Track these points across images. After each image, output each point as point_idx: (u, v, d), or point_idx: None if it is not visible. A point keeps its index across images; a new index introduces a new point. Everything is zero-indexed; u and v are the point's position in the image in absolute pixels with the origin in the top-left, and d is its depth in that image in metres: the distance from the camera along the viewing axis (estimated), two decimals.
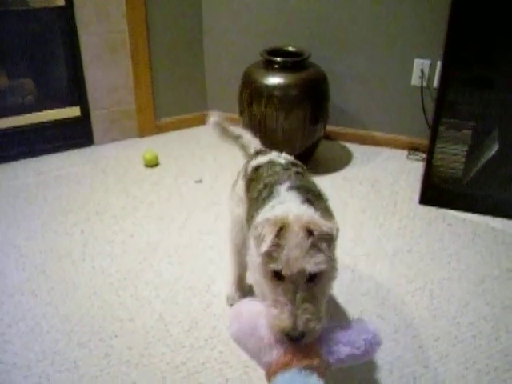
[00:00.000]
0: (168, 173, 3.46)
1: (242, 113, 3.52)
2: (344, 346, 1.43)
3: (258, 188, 1.81)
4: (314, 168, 3.50)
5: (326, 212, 1.67)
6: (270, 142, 3.36)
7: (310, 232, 1.40)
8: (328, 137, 3.89)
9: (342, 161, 3.67)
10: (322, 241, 1.41)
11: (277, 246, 1.41)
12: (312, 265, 1.39)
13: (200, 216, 2.98)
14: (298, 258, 1.38)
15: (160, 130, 4.06)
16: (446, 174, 3.15)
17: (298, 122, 3.31)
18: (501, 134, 2.96)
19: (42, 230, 2.83)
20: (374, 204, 3.13)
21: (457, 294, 2.43)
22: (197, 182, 3.35)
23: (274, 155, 1.99)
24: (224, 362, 2.03)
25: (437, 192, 3.18)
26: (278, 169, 1.85)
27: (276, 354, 1.41)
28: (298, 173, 1.85)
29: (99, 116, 3.77)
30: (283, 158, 1.98)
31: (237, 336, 1.51)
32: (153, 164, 3.53)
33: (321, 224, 1.43)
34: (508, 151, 2.98)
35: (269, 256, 1.42)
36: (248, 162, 2.05)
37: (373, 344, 1.47)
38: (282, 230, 1.41)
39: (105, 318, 2.24)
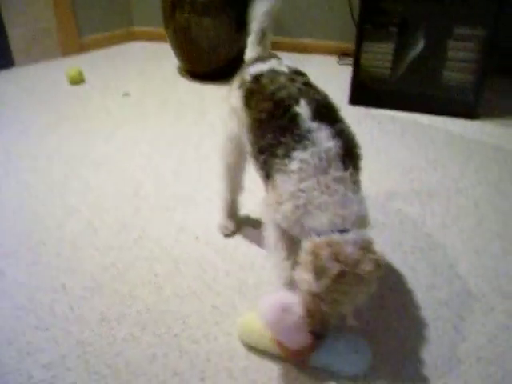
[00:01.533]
0: (94, 89, 3.37)
1: (166, 25, 3.42)
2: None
3: (266, 107, 1.62)
4: None
5: (354, 138, 1.62)
6: (195, 52, 3.30)
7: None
8: None
9: None
10: (367, 285, 1.42)
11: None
12: (345, 310, 1.48)
13: (127, 127, 2.93)
14: (338, 302, 1.43)
15: (84, 48, 3.93)
16: (374, 73, 3.16)
17: (223, 29, 3.24)
18: (426, 30, 2.96)
19: None
20: None
21: (385, 184, 2.47)
22: (124, 95, 3.27)
23: (274, 63, 1.78)
24: (154, 259, 2.03)
25: (366, 92, 3.19)
26: (282, 79, 1.67)
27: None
28: (306, 84, 1.68)
29: (17, 35, 3.60)
30: (284, 65, 1.77)
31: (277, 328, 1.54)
32: (77, 81, 3.42)
33: (371, 270, 1.39)
34: (433, 48, 3.00)
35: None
36: (245, 69, 1.85)
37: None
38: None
39: (32, 228, 2.19)
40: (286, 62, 1.83)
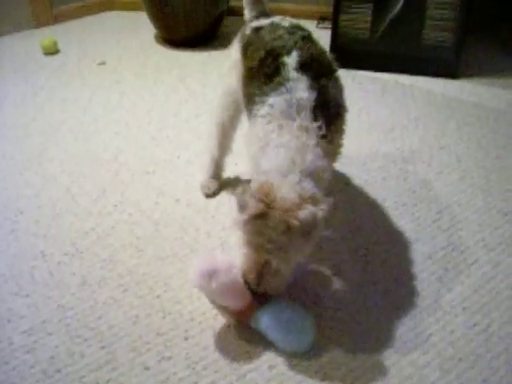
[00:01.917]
0: (69, 58, 3.29)
1: None
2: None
3: (258, 55, 1.60)
4: (220, 43, 3.42)
5: (338, 98, 1.58)
6: (172, 19, 3.24)
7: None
8: (233, 12, 3.75)
9: None
10: (299, 235, 1.33)
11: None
12: (277, 262, 1.39)
13: (104, 95, 2.87)
14: (266, 249, 1.37)
15: (58, 19, 3.83)
16: (353, 34, 3.12)
17: None
18: None
19: None
20: None
21: (366, 143, 2.45)
22: (100, 64, 3.20)
23: (276, 18, 1.76)
24: (134, 222, 2.00)
25: (345, 53, 3.13)
26: (281, 32, 1.64)
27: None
28: (304, 38, 1.63)
29: None
30: (287, 21, 1.73)
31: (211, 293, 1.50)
32: (52, 51, 3.34)
33: (302, 218, 1.30)
34: (412, 6, 2.96)
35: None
36: (246, 24, 1.84)
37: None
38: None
39: (9, 197, 2.15)
40: (288, 18, 1.78)
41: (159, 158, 2.34)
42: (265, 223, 1.33)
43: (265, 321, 1.50)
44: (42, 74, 3.10)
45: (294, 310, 1.54)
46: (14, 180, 2.24)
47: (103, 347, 1.55)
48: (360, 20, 3.07)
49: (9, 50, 3.41)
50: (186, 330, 1.59)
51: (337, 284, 1.74)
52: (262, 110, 1.50)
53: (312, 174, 1.41)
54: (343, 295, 1.70)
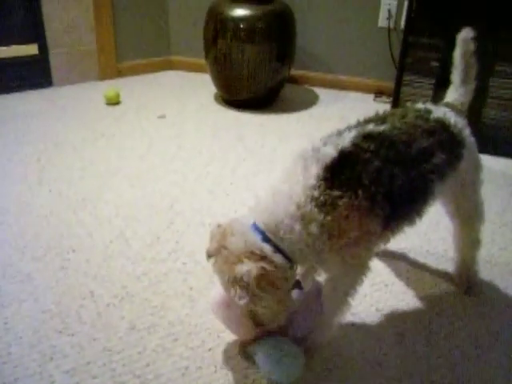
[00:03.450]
0: (130, 109, 3.34)
1: (207, 53, 3.40)
2: (305, 320, 1.58)
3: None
4: (279, 108, 3.44)
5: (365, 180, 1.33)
6: (235, 79, 3.27)
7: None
8: (293, 80, 3.81)
9: (308, 102, 3.59)
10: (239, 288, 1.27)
11: None
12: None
13: (162, 146, 2.88)
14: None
15: (121, 73, 3.92)
16: None
17: (265, 57, 3.21)
18: None
19: None
20: None
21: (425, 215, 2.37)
22: (160, 117, 3.24)
23: (440, 108, 1.62)
24: (188, 272, 1.94)
25: None
26: (411, 115, 1.53)
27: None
28: (426, 131, 1.48)
29: (58, 55, 3.60)
30: (443, 112, 1.58)
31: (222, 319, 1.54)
32: (114, 102, 3.40)
33: (236, 272, 1.27)
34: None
35: None
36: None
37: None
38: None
39: (62, 234, 2.12)
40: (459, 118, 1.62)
41: (215, 212, 2.30)
42: (218, 265, 1.34)
43: (258, 353, 1.51)
44: (103, 122, 3.14)
45: (284, 346, 1.50)
46: (68, 218, 2.21)
47: None
48: (421, 94, 3.05)
49: (74, 97, 3.48)
50: None
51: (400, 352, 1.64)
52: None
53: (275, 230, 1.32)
54: (407, 366, 1.59)
